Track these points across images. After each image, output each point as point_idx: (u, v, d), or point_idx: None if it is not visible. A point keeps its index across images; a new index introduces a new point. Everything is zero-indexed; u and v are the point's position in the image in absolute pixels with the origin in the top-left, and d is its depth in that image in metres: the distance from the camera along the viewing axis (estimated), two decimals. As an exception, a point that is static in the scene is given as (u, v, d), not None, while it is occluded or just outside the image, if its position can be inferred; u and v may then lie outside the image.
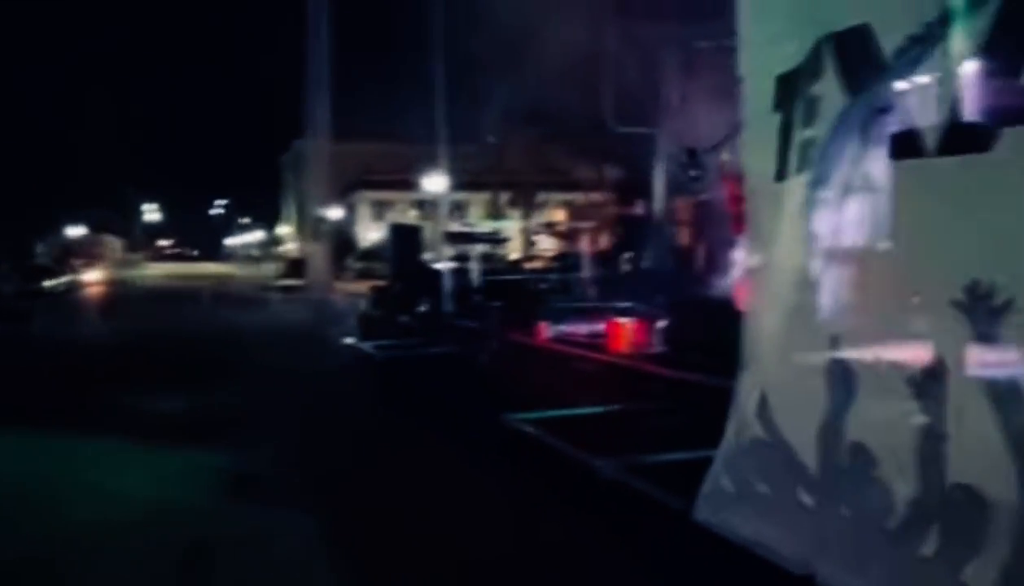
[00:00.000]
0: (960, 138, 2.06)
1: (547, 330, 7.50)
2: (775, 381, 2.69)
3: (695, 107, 11.42)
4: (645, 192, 12.42)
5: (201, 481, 4.86)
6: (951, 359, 2.12)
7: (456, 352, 8.95)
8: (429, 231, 16.09)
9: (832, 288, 2.45)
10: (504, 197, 47.49)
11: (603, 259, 13.45)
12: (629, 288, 10.50)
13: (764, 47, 3.00)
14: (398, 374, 8.80)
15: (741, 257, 8.71)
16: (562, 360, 6.78)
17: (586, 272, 11.42)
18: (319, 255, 10.00)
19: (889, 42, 2.20)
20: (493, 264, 13.44)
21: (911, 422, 2.22)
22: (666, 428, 4.94)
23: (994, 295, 2.01)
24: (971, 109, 2.04)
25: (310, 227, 10.99)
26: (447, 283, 10.28)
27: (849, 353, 2.38)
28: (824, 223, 2.43)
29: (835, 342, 2.42)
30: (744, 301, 7.46)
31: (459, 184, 45.30)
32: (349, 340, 11.18)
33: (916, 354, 2.21)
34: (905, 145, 2.18)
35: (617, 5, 11.33)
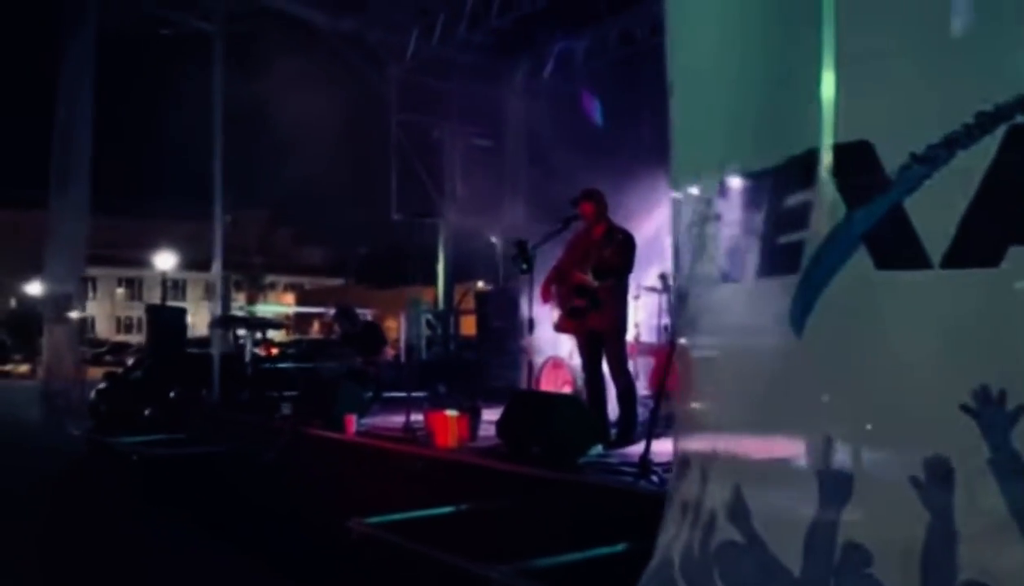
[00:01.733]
0: (967, 252, 2.22)
1: (354, 424, 7.08)
2: (754, 482, 2.68)
3: (477, 199, 11.76)
4: (429, 279, 12.44)
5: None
6: (959, 459, 2.23)
7: (233, 450, 8.14)
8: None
9: (823, 388, 2.50)
10: (231, 278, 45.15)
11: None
12: (414, 377, 10.30)
13: (703, 155, 3.11)
14: (167, 478, 7.79)
15: (537, 348, 8.91)
16: (377, 456, 6.39)
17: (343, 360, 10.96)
18: (62, 339, 8.70)
19: (892, 159, 2.34)
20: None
21: (915, 520, 2.28)
22: (527, 527, 4.79)
23: (1005, 400, 2.15)
24: (977, 226, 2.20)
25: (50, 306, 9.58)
26: (216, 371, 9.41)
27: (844, 452, 2.42)
28: (816, 324, 2.49)
29: (828, 441, 2.46)
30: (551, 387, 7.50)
31: (187, 263, 42.32)
32: (91, 436, 9.76)
33: (921, 453, 2.29)
34: (908, 257, 2.30)
35: (398, 100, 11.44)
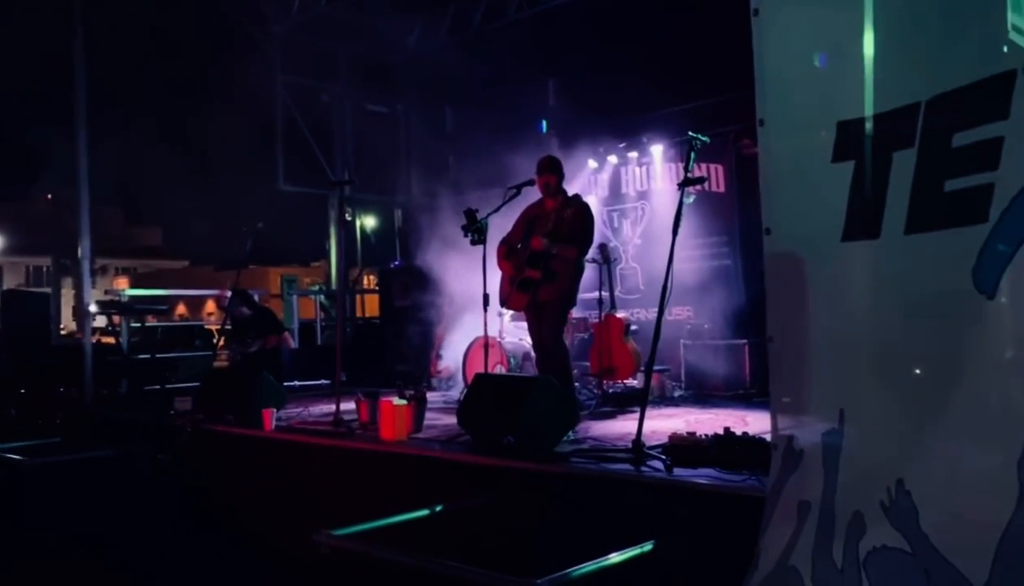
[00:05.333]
0: None
1: (272, 419, 6.23)
2: (923, 478, 2.25)
3: (370, 169, 10.92)
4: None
5: None
6: None
7: (124, 454, 7.05)
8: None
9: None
10: (56, 264, 41.25)
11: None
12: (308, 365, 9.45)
13: (808, 93, 2.65)
14: (40, 491, 6.65)
15: (442, 330, 8.24)
16: (309, 454, 5.62)
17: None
18: None
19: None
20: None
21: None
22: (519, 528, 4.24)
23: None
24: None
25: None
26: (88, 365, 8.20)
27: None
28: (1015, 282, 2.09)
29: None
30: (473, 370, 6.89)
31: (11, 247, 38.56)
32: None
33: None
34: None
35: (283, 61, 10.37)
